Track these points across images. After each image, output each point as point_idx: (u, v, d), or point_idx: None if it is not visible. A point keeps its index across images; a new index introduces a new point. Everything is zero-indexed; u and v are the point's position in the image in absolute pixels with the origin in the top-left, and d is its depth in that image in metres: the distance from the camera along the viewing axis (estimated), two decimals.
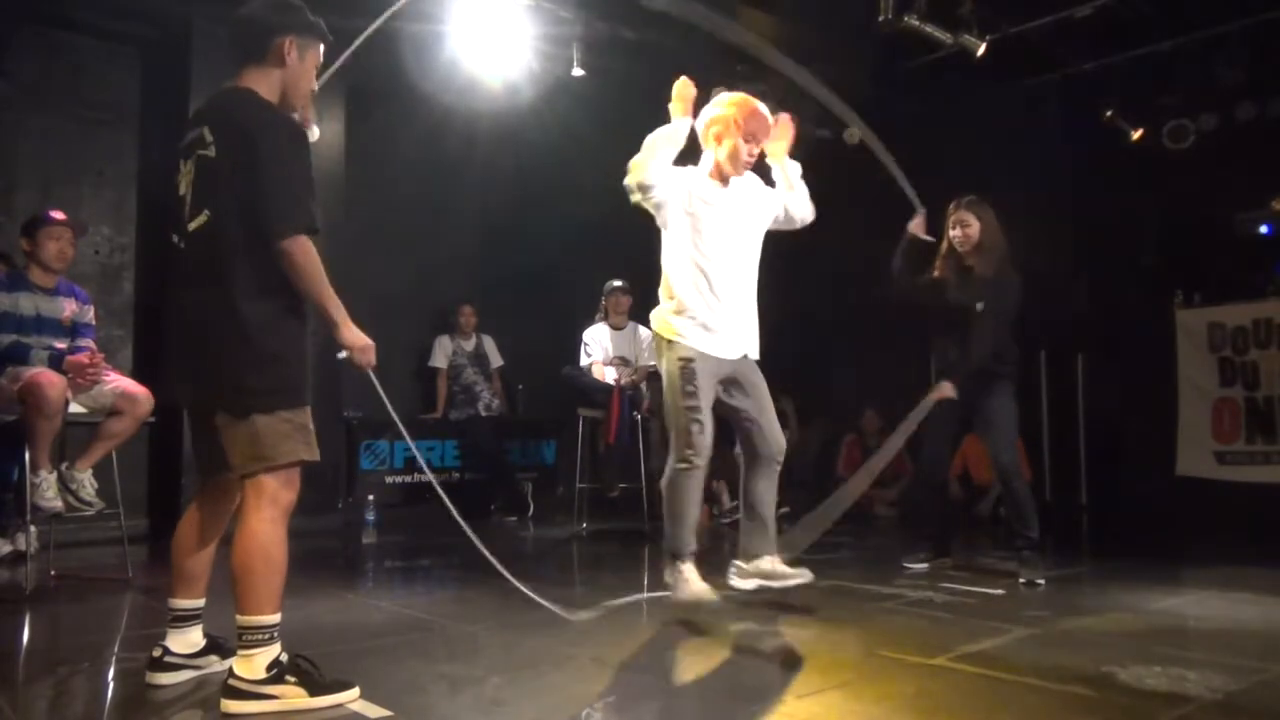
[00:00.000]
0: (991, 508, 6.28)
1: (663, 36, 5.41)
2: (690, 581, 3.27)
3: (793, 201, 3.63)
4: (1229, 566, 4.31)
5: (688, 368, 3.28)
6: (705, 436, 3.27)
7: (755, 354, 3.48)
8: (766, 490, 3.45)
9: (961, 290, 4.11)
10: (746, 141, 3.39)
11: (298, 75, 2.44)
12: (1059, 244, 6.33)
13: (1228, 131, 6.30)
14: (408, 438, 3.57)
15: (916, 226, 4.25)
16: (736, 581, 3.45)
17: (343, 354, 2.48)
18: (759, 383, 3.46)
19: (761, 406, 3.44)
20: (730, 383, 3.40)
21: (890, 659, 2.71)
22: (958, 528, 4.67)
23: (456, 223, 7.09)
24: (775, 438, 3.45)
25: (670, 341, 3.35)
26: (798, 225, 3.68)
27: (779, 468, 3.47)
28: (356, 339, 2.45)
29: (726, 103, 3.44)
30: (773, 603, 3.48)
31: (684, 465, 3.26)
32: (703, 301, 3.34)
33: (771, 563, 3.40)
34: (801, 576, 3.37)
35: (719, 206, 3.41)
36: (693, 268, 3.36)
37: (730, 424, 3.52)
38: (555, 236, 7.19)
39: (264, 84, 2.40)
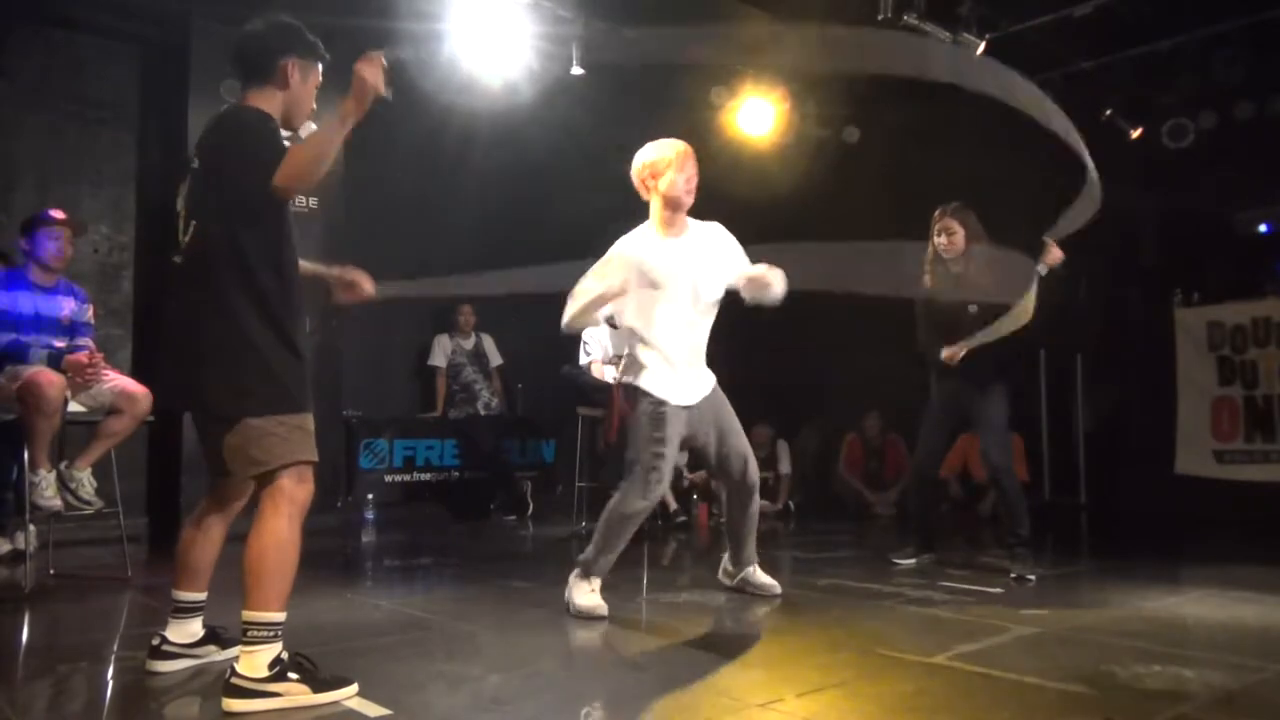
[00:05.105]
0: (991, 506, 6.28)
1: (663, 37, 5.40)
2: (592, 595, 3.31)
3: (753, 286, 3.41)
4: (1229, 565, 4.31)
5: (658, 413, 3.33)
6: (662, 486, 3.36)
7: (712, 381, 3.52)
8: (742, 518, 3.62)
9: (952, 294, 4.19)
10: (680, 172, 3.40)
11: (299, 96, 2.48)
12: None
13: (1227, 131, 6.30)
14: None
15: None
16: (723, 579, 3.78)
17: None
18: (724, 414, 3.51)
19: (727, 440, 3.49)
20: (697, 423, 3.44)
21: (889, 657, 2.71)
22: (940, 523, 4.68)
23: (456, 222, 7.08)
24: (747, 467, 3.53)
25: (641, 390, 3.38)
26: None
27: (755, 492, 3.60)
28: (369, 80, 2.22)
29: (650, 152, 3.46)
30: (773, 602, 3.54)
31: (640, 505, 3.31)
32: (664, 361, 3.38)
33: (753, 572, 3.68)
34: (774, 588, 3.63)
35: (673, 267, 3.40)
36: (653, 334, 3.39)
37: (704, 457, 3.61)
38: (555, 236, 7.18)
39: (267, 104, 2.44)
